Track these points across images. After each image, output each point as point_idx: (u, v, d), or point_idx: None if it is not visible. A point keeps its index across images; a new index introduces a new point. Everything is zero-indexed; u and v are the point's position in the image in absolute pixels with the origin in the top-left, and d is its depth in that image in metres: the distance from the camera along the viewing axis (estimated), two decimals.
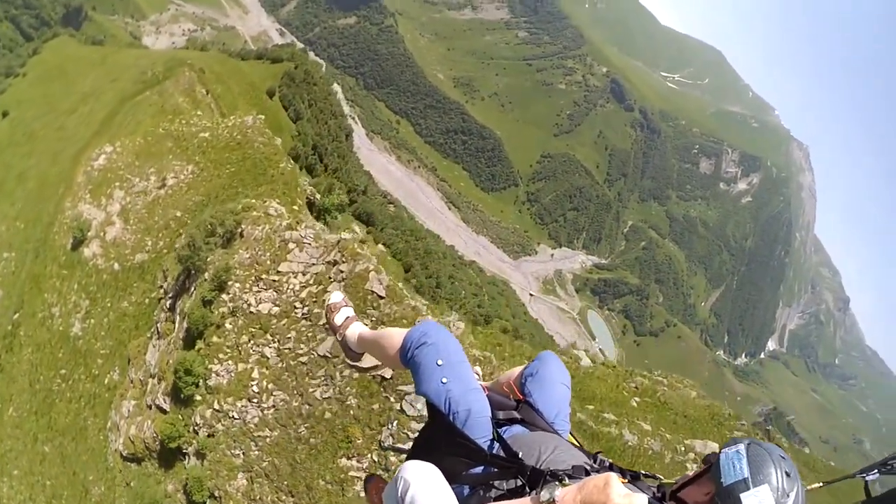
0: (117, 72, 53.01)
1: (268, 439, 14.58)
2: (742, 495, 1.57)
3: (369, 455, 12.72)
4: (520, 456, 2.17)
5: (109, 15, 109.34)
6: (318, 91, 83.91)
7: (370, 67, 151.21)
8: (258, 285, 16.53)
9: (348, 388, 13.67)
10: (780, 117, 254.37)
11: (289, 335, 15.16)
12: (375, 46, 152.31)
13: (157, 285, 24.48)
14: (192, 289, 18.57)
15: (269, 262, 17.06)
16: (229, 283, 16.89)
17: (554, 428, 2.54)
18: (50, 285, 28.60)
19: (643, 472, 2.07)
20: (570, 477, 1.92)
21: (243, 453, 14.47)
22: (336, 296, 3.50)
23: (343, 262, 15.83)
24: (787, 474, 1.61)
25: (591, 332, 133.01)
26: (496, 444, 2.32)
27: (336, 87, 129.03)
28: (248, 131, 33.34)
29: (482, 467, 2.22)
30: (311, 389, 14.17)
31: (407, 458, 2.27)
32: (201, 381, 15.86)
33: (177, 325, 18.60)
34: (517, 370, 2.93)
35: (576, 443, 2.54)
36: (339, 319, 3.34)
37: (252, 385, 15.02)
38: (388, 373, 13.44)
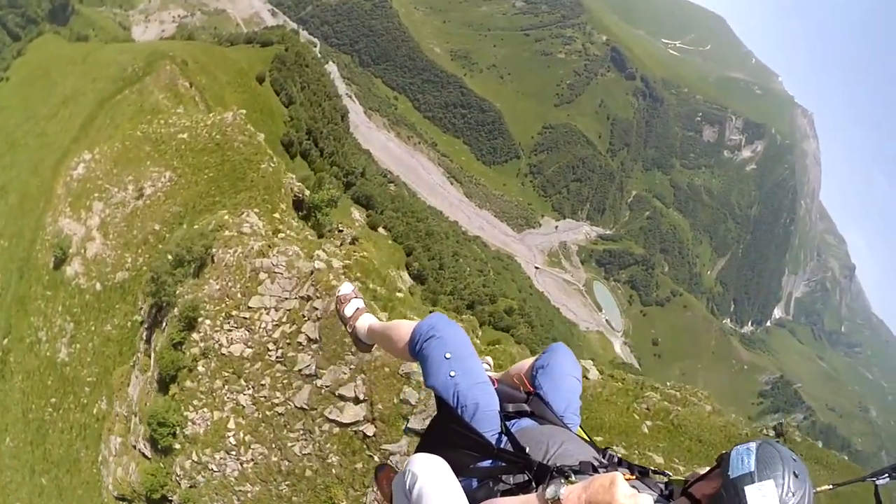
0: (97, 70, 51.05)
1: (249, 494, 13.83)
2: (746, 488, 1.59)
3: None
4: (527, 451, 2.14)
5: (97, 7, 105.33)
6: (310, 73, 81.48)
7: (365, 44, 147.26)
8: (229, 323, 15.59)
9: (329, 445, 12.78)
10: (784, 84, 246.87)
11: (263, 381, 14.25)
12: (370, 22, 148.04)
13: (137, 307, 23.67)
14: (164, 323, 17.71)
15: (239, 296, 16.08)
16: (199, 319, 15.97)
17: (563, 422, 2.53)
18: (35, 307, 27.92)
19: (652, 468, 2.06)
20: (576, 473, 1.92)
21: None
22: (346, 287, 3.50)
23: (317, 298, 14.81)
24: (796, 475, 1.60)
25: (598, 304, 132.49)
26: (504, 438, 2.30)
27: (331, 66, 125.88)
28: (228, 129, 31.99)
29: (490, 461, 2.20)
30: (289, 444, 13.29)
31: (415, 451, 2.28)
32: (178, 429, 15.10)
33: (152, 363, 17.77)
34: (528, 362, 2.90)
35: (585, 437, 2.50)
36: (349, 311, 3.31)
37: (229, 436, 14.20)
38: (370, 430, 12.52)
